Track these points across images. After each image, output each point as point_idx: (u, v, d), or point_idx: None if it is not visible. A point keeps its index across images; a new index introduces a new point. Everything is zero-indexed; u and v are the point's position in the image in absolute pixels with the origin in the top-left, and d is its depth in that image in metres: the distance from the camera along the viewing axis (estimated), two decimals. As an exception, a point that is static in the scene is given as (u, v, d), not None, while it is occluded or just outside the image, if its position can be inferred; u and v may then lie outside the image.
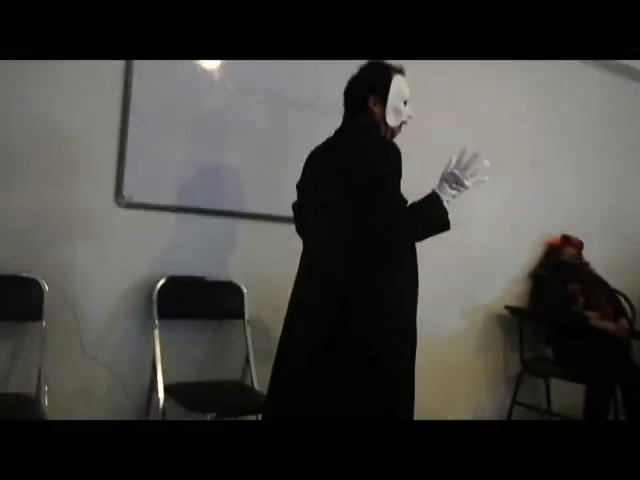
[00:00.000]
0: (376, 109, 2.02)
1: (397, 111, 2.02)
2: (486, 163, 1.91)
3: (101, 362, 2.47)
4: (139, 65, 2.46)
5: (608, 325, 3.42)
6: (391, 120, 2.02)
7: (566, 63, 3.82)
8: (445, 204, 1.92)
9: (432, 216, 1.94)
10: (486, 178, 1.93)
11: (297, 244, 2.90)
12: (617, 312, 3.60)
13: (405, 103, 2.03)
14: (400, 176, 1.86)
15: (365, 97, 2.02)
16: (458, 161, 1.92)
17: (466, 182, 1.90)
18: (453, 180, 1.91)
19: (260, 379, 2.66)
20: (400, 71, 2.06)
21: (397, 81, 2.02)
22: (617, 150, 4.26)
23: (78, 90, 2.38)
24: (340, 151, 1.99)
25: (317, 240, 2.03)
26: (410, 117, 2.06)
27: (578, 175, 4.04)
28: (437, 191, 1.93)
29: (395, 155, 1.87)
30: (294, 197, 2.87)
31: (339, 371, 1.82)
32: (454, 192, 1.92)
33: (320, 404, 1.81)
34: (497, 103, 3.60)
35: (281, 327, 2.88)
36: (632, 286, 4.01)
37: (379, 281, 1.83)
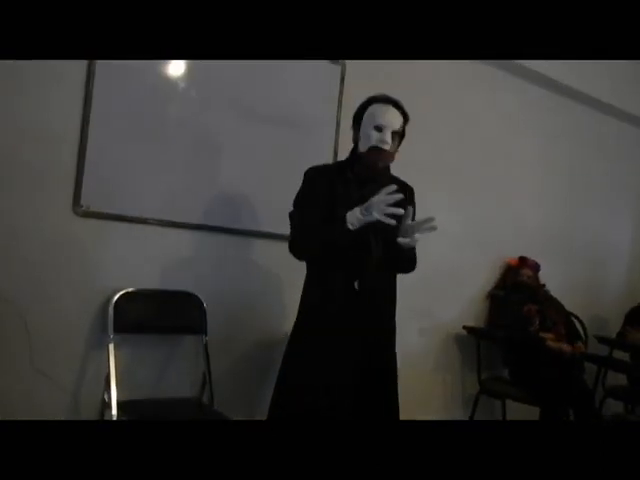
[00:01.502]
0: (356, 136, 2.16)
1: (367, 137, 2.07)
2: (400, 211, 1.92)
3: (51, 377, 2.35)
4: (101, 69, 2.40)
5: (563, 347, 3.47)
6: (363, 146, 2.10)
7: (528, 90, 3.94)
8: (349, 225, 1.96)
9: (332, 235, 2.01)
10: (393, 222, 1.93)
11: (260, 259, 2.87)
12: (571, 334, 3.67)
13: (379, 129, 2.05)
14: (307, 197, 2.12)
15: (353, 128, 2.18)
16: (381, 193, 1.92)
17: (374, 213, 1.91)
18: (365, 207, 1.94)
19: (218, 397, 2.59)
20: (382, 100, 2.11)
21: (372, 109, 2.10)
22: (575, 176, 4.40)
23: (36, 93, 2.29)
24: None
25: None
26: (383, 142, 2.05)
27: (537, 198, 4.14)
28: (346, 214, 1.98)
29: (304, 179, 2.16)
30: (256, 211, 2.86)
31: None
32: (360, 217, 1.94)
33: None
34: (461, 125, 3.66)
35: (240, 341, 2.84)
36: (585, 309, 4.11)
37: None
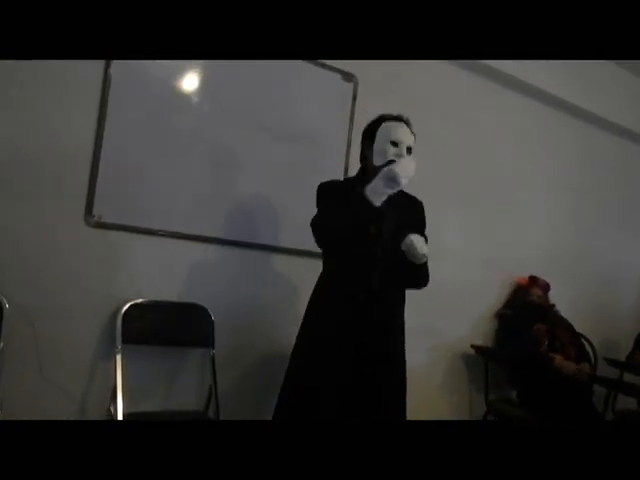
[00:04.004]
0: (368, 152, 2.20)
1: (383, 152, 2.13)
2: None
3: (58, 385, 2.35)
4: (117, 80, 2.43)
5: (571, 368, 3.43)
6: (377, 161, 2.15)
7: (539, 110, 3.95)
8: (373, 201, 1.98)
9: (356, 210, 2.02)
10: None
11: (269, 272, 2.87)
12: (580, 356, 3.62)
13: (395, 144, 2.13)
14: (321, 202, 2.18)
15: (362, 143, 2.25)
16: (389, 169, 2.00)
17: (400, 180, 1.98)
18: (386, 180, 1.98)
19: (224, 411, 2.57)
20: (396, 118, 2.19)
21: (385, 126, 2.17)
22: (587, 194, 4.38)
23: (51, 103, 2.32)
24: None
25: None
26: (400, 156, 2.11)
27: (547, 217, 4.12)
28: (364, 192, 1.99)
29: (321, 192, 2.20)
30: (266, 226, 2.86)
31: None
32: (385, 190, 1.99)
33: None
34: (471, 144, 3.67)
35: (248, 356, 2.84)
36: (595, 330, 4.07)
37: None
